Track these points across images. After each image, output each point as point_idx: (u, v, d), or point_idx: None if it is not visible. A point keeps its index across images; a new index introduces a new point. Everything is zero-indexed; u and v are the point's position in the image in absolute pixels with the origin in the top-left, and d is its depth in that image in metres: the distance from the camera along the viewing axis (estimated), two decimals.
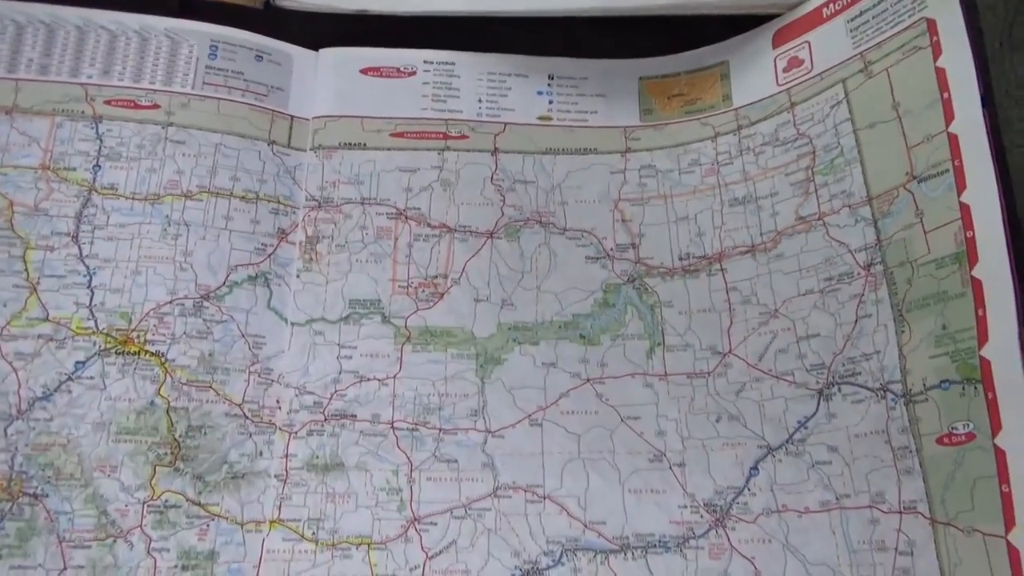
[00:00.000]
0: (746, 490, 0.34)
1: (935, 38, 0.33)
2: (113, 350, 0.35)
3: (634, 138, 0.42)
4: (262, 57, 0.42)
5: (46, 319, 0.36)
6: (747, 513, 0.33)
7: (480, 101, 0.42)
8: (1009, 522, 0.26)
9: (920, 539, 0.29)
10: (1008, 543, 0.26)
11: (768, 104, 0.39)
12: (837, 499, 0.32)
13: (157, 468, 0.34)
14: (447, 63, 0.43)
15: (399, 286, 0.39)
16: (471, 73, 0.43)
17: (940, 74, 0.33)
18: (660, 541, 0.34)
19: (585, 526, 0.34)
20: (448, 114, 0.42)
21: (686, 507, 0.34)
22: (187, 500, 0.34)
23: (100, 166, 0.38)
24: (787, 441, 0.33)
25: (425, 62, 0.43)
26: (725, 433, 0.35)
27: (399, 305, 0.38)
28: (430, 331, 0.38)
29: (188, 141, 0.39)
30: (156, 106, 0.40)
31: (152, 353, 0.36)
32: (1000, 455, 0.27)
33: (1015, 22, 0.30)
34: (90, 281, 0.36)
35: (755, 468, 0.34)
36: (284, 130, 0.41)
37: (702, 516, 0.34)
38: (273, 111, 0.41)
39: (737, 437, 0.35)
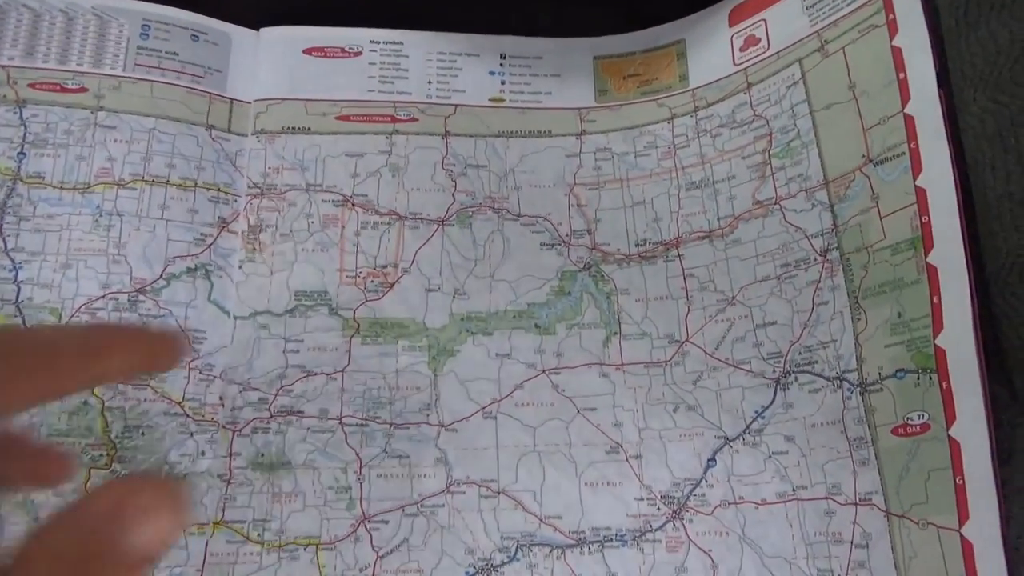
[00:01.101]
0: (703, 482, 0.33)
1: (891, 16, 0.33)
2: None
3: (589, 120, 0.40)
4: (198, 37, 0.40)
5: None
6: (704, 505, 0.33)
7: (430, 82, 0.41)
8: (963, 515, 0.26)
9: (875, 531, 0.29)
10: (962, 536, 0.26)
11: (725, 84, 0.38)
12: (794, 490, 0.31)
13: (92, 471, 0.33)
14: (395, 43, 0.41)
15: (347, 276, 0.37)
16: (420, 53, 0.41)
17: (896, 53, 0.32)
18: (617, 535, 0.33)
19: (541, 521, 0.34)
20: (396, 96, 0.40)
21: (643, 500, 0.34)
22: None
23: (25, 153, 0.36)
24: (744, 431, 0.33)
25: (371, 42, 0.41)
26: (682, 424, 0.34)
27: (347, 296, 0.37)
28: (380, 323, 0.36)
29: (120, 126, 0.37)
30: (84, 89, 0.37)
31: None
32: (954, 446, 0.26)
33: (971, 0, 0.30)
34: (16, 276, 0.34)
35: (712, 459, 0.33)
36: (223, 114, 0.39)
37: (659, 509, 0.33)
38: (211, 94, 0.39)
39: (695, 428, 0.34)
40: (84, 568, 0.15)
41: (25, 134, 0.36)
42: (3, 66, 0.37)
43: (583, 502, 0.34)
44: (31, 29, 0.38)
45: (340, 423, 0.35)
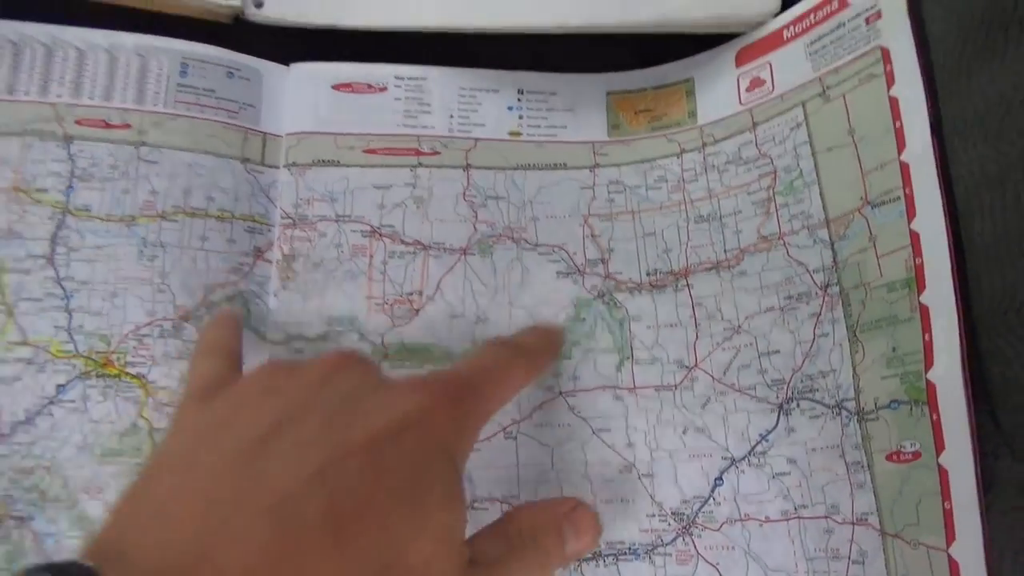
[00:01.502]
0: (711, 500, 0.35)
1: (889, 67, 0.35)
2: (94, 373, 0.36)
3: (602, 153, 0.43)
4: (233, 74, 0.42)
5: (24, 343, 0.36)
6: (712, 521, 0.35)
7: (451, 117, 0.43)
8: (950, 536, 0.29)
9: (871, 549, 0.32)
10: (949, 556, 0.29)
11: (731, 123, 0.41)
12: (795, 509, 0.34)
13: None
14: (418, 78, 0.43)
15: (375, 303, 0.39)
16: (442, 88, 0.43)
17: (893, 103, 0.34)
18: (630, 548, 0.36)
19: None
20: (420, 130, 0.42)
21: (655, 516, 0.36)
22: None
23: (73, 187, 0.38)
24: (749, 453, 0.35)
25: (396, 77, 0.43)
26: (691, 445, 0.37)
27: (376, 322, 0.39)
28: (407, 348, 0.39)
29: (161, 161, 0.39)
30: (128, 125, 0.40)
31: (133, 375, 0.36)
32: (943, 473, 0.29)
33: (963, 53, 0.32)
34: (68, 304, 0.37)
35: (720, 479, 0.36)
36: (257, 147, 0.41)
37: (670, 524, 0.36)
38: (246, 129, 0.41)
39: (703, 449, 0.36)
40: None
41: (73, 168, 0.39)
42: (52, 103, 0.39)
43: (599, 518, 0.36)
44: (77, 67, 0.40)
45: None
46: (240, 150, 0.41)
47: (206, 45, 0.42)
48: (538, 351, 0.36)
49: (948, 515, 0.29)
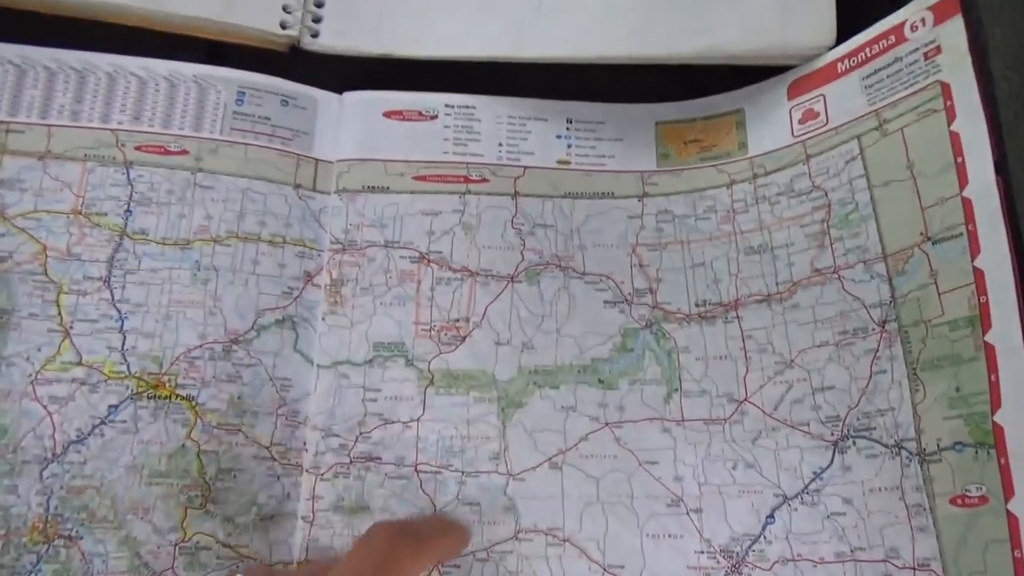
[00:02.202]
0: (762, 538, 0.35)
1: (949, 102, 0.34)
2: (145, 394, 0.36)
3: (651, 183, 0.43)
4: (288, 102, 0.43)
5: (79, 363, 0.37)
6: (763, 560, 0.34)
7: (500, 145, 0.43)
8: None
9: None
10: None
11: (783, 155, 0.40)
12: (851, 551, 0.33)
13: (188, 510, 0.35)
14: (468, 107, 0.44)
15: (422, 329, 0.39)
16: (491, 116, 0.44)
17: (954, 138, 0.34)
18: None
19: (604, 569, 0.35)
20: (469, 157, 0.43)
21: (703, 553, 0.35)
22: (217, 542, 0.35)
23: (131, 211, 0.39)
24: (803, 491, 0.34)
25: (446, 105, 0.44)
26: (741, 480, 0.36)
27: (422, 348, 0.39)
28: (452, 374, 0.39)
29: (216, 187, 0.40)
30: (185, 152, 0.40)
31: (183, 397, 0.37)
32: (1013, 521, 0.28)
33: None
34: (122, 325, 0.37)
35: (771, 516, 0.35)
36: (309, 174, 0.42)
37: (719, 562, 0.35)
38: (298, 155, 0.42)
39: (753, 485, 0.36)
40: None
41: (132, 193, 0.39)
42: (113, 129, 0.40)
43: (645, 553, 0.36)
44: (138, 95, 0.41)
45: (415, 470, 0.37)
46: (293, 176, 0.41)
47: (262, 74, 0.42)
48: (432, 534, 0.34)
49: (1019, 565, 0.27)
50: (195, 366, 0.37)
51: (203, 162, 0.40)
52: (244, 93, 0.42)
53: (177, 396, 0.37)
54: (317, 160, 0.42)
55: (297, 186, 0.41)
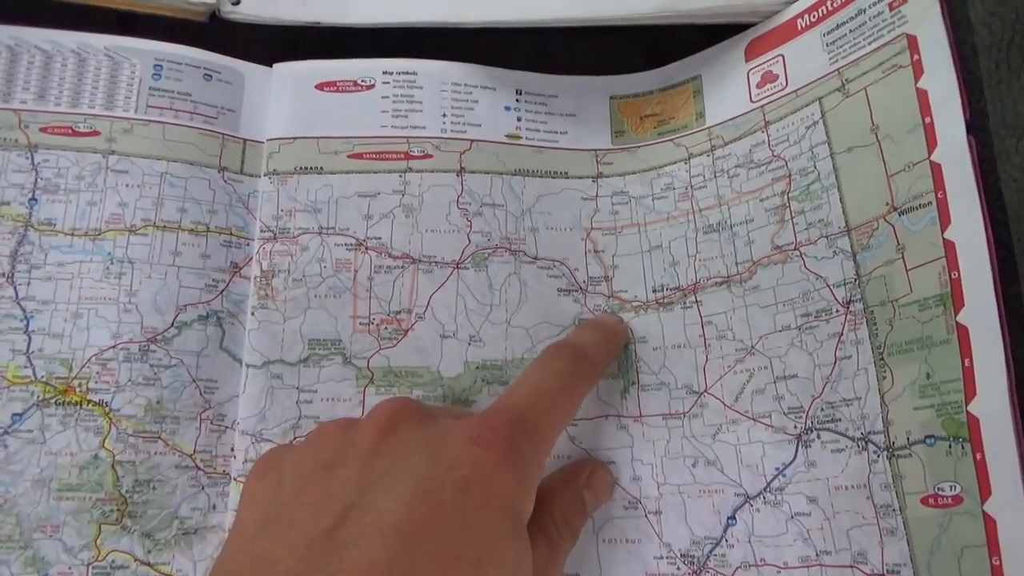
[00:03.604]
0: (723, 541, 0.32)
1: (916, 56, 0.32)
2: (53, 400, 0.33)
3: (606, 162, 0.40)
4: (211, 76, 0.39)
5: None
6: (725, 566, 0.32)
7: (444, 116, 0.40)
8: None
9: None
10: None
11: (742, 123, 0.38)
12: (817, 555, 0.30)
13: (102, 526, 0.32)
14: (408, 73, 0.40)
15: (360, 323, 0.37)
16: (434, 84, 0.40)
17: (922, 96, 0.31)
18: None
19: None
20: (410, 131, 0.40)
21: (662, 558, 0.33)
22: (135, 560, 0.32)
23: (36, 199, 0.36)
24: (765, 489, 0.32)
25: (384, 72, 0.40)
26: (702, 479, 0.33)
27: (360, 344, 0.36)
28: (394, 372, 0.36)
29: (131, 170, 0.37)
30: (96, 133, 0.37)
31: (95, 403, 0.33)
32: (990, 523, 0.25)
33: (1012, 42, 0.28)
34: (27, 326, 0.34)
35: (733, 517, 0.32)
36: (236, 155, 0.39)
37: (679, 568, 0.33)
38: (224, 135, 0.39)
39: (714, 483, 0.33)
40: None
41: (36, 179, 0.36)
42: (15, 110, 0.37)
43: (601, 559, 0.33)
44: (43, 71, 0.37)
45: None
46: (217, 158, 0.38)
47: (181, 46, 0.39)
48: (598, 352, 0.33)
49: (997, 573, 0.25)
50: (108, 369, 0.34)
51: (116, 144, 0.37)
52: (161, 66, 0.38)
53: (89, 402, 0.33)
54: (245, 140, 0.39)
55: (222, 169, 0.38)
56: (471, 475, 0.24)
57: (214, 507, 0.34)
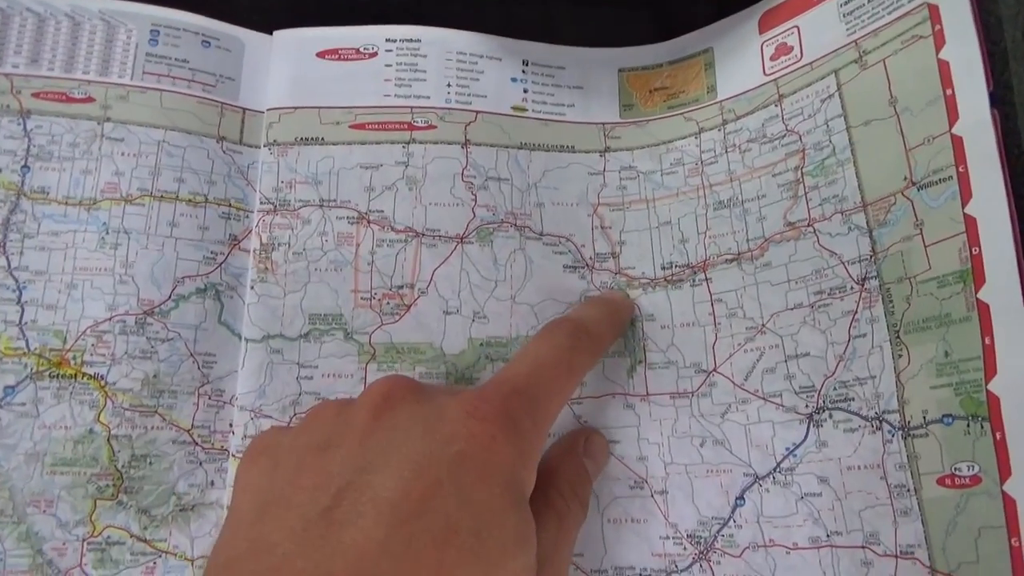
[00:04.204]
0: (732, 521, 0.32)
1: (938, 27, 0.31)
2: (47, 373, 0.32)
3: (614, 136, 0.39)
4: (209, 43, 0.38)
5: None
6: (732, 547, 0.31)
7: (449, 86, 0.39)
8: None
9: None
10: None
11: (755, 96, 0.37)
12: (828, 536, 0.30)
13: (97, 502, 0.32)
14: (412, 40, 0.39)
15: (362, 298, 0.36)
16: (439, 52, 0.39)
17: (943, 68, 0.30)
18: (641, 574, 0.32)
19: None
20: (413, 100, 0.38)
21: (668, 538, 0.32)
22: (131, 536, 0.32)
23: (29, 167, 0.35)
24: (775, 469, 0.31)
25: (387, 40, 0.39)
26: (710, 459, 0.33)
27: (362, 319, 0.35)
28: (396, 348, 0.35)
29: (127, 138, 0.36)
30: (90, 99, 0.36)
31: (90, 376, 0.33)
32: (1009, 504, 0.25)
33: None
34: (20, 296, 0.33)
35: (741, 498, 0.32)
36: (235, 125, 0.38)
37: (685, 548, 0.32)
38: (222, 104, 0.38)
39: (722, 463, 0.32)
40: None
41: (29, 146, 0.35)
42: (7, 74, 0.36)
43: (606, 539, 0.33)
44: (36, 35, 0.36)
45: None
46: (216, 127, 0.37)
47: (180, 11, 0.38)
48: (600, 327, 0.33)
49: (1017, 555, 0.24)
50: (104, 341, 0.33)
51: (111, 111, 0.36)
52: (158, 32, 0.37)
53: (83, 375, 0.33)
54: (244, 109, 0.38)
55: (221, 138, 0.37)
56: (467, 448, 0.24)
57: (212, 483, 0.33)
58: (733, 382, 0.33)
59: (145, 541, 0.32)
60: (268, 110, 0.38)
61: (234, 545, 0.23)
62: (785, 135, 0.35)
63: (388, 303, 0.36)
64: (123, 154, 0.35)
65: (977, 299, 0.27)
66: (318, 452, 0.25)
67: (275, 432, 0.28)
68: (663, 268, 0.36)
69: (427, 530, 0.22)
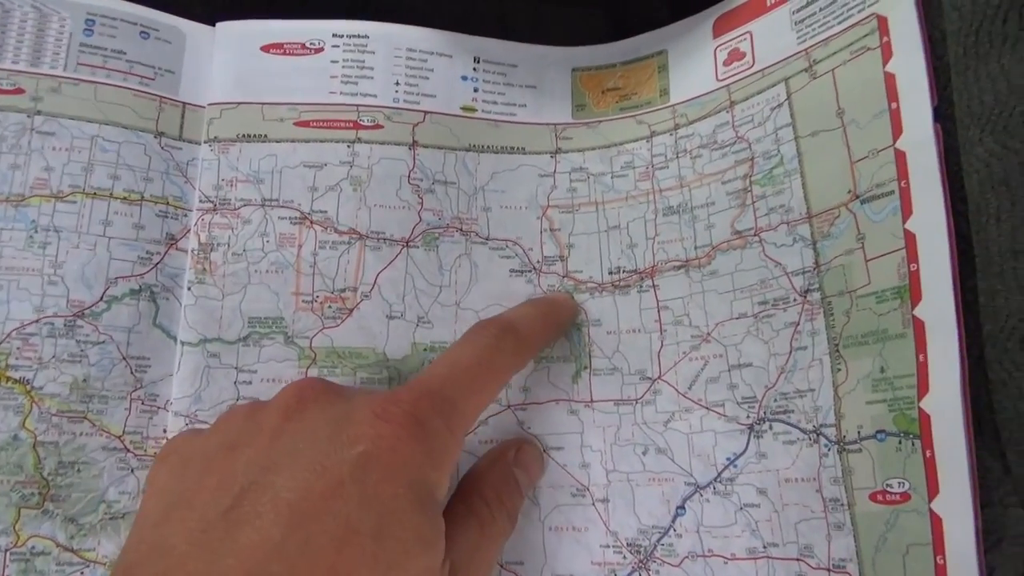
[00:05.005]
0: (672, 531, 0.32)
1: (886, 39, 0.30)
2: None
3: (565, 137, 0.38)
4: (148, 33, 0.37)
5: None
6: (672, 556, 0.31)
7: (397, 84, 0.38)
8: None
9: None
10: None
11: (707, 101, 0.36)
12: (765, 547, 0.30)
13: (22, 511, 0.31)
14: (359, 36, 0.38)
15: (303, 301, 0.35)
16: (387, 49, 0.38)
17: (889, 80, 0.30)
18: None
19: (502, 567, 0.32)
20: (360, 99, 0.38)
21: (609, 547, 0.32)
22: (57, 546, 0.31)
23: None
24: (716, 479, 0.31)
25: (334, 35, 0.38)
26: (652, 467, 0.33)
27: (303, 323, 0.35)
28: (337, 352, 0.34)
29: (59, 132, 0.34)
30: (20, 90, 0.35)
31: (16, 380, 0.32)
32: (936, 522, 0.25)
33: (982, 27, 0.27)
34: None
35: (682, 507, 0.32)
36: (175, 120, 0.36)
37: (625, 557, 0.32)
38: (161, 97, 0.36)
39: (664, 472, 0.32)
40: None
41: None
42: None
43: (546, 548, 0.32)
44: None
45: None
46: (154, 122, 0.36)
47: (116, 0, 0.36)
48: (531, 327, 0.32)
49: (941, 572, 0.25)
50: (30, 344, 0.32)
51: (42, 103, 0.35)
52: (94, 21, 0.36)
53: (8, 379, 0.31)
54: (184, 103, 0.37)
55: (159, 134, 0.36)
56: (372, 449, 0.24)
57: (144, 491, 0.32)
58: (677, 390, 0.33)
59: (72, 551, 0.31)
60: (209, 105, 0.37)
61: (136, 548, 0.23)
62: (735, 142, 0.35)
63: (330, 306, 0.35)
64: (54, 149, 0.34)
65: (913, 316, 0.27)
66: (226, 453, 0.25)
67: (188, 434, 0.28)
68: (611, 273, 0.36)
69: (325, 531, 0.22)
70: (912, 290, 0.27)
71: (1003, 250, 0.25)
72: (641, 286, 0.35)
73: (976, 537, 0.24)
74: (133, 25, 0.37)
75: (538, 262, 0.36)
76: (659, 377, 0.34)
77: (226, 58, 0.37)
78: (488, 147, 0.38)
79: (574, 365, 0.35)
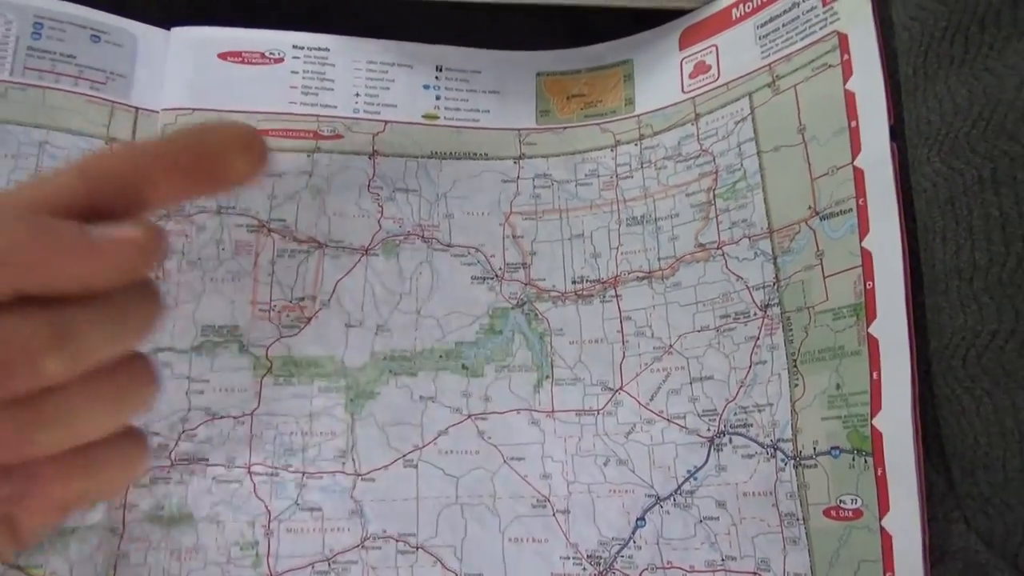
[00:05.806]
0: (631, 543, 0.32)
1: (846, 56, 0.31)
2: None
3: (529, 142, 0.38)
4: (99, 37, 0.36)
5: None
6: (631, 568, 0.31)
7: (357, 95, 0.37)
8: None
9: None
10: None
11: (672, 113, 0.36)
12: (723, 560, 0.30)
13: None
14: (320, 48, 0.38)
15: (260, 309, 0.34)
16: (347, 61, 0.38)
17: (849, 98, 0.30)
18: None
19: None
20: (320, 109, 0.37)
21: (568, 559, 0.32)
22: (2, 562, 0.30)
23: None
24: (676, 491, 0.31)
25: (295, 47, 0.38)
26: (613, 478, 0.33)
27: (260, 331, 0.34)
28: (295, 361, 0.34)
29: (5, 139, 0.33)
30: None
31: None
32: (886, 539, 0.25)
33: (930, 48, 0.28)
34: None
35: (642, 519, 0.32)
36: (127, 125, 0.35)
37: (585, 569, 0.32)
38: (113, 103, 0.35)
39: (625, 483, 0.32)
40: None
41: None
42: None
43: (506, 559, 0.32)
44: None
45: (248, 472, 0.32)
46: (105, 128, 0.35)
47: (67, 2, 0.35)
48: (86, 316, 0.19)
49: None
50: None
51: None
52: (42, 24, 0.35)
53: None
54: (137, 108, 0.36)
55: (111, 139, 0.35)
56: None
57: (92, 505, 0.31)
58: (639, 402, 0.33)
59: (19, 568, 0.30)
60: (164, 110, 0.36)
61: None
62: (700, 155, 0.35)
63: (288, 315, 0.34)
64: (2, 156, 0.33)
65: (868, 333, 0.27)
66: None
67: None
68: (573, 282, 0.36)
69: None
70: (867, 308, 0.28)
71: (948, 269, 0.25)
72: (604, 296, 0.35)
73: (924, 554, 0.24)
74: (83, 28, 0.35)
75: (500, 269, 0.36)
76: (621, 388, 0.34)
77: (181, 64, 0.37)
78: (450, 154, 0.37)
79: (536, 374, 0.35)
